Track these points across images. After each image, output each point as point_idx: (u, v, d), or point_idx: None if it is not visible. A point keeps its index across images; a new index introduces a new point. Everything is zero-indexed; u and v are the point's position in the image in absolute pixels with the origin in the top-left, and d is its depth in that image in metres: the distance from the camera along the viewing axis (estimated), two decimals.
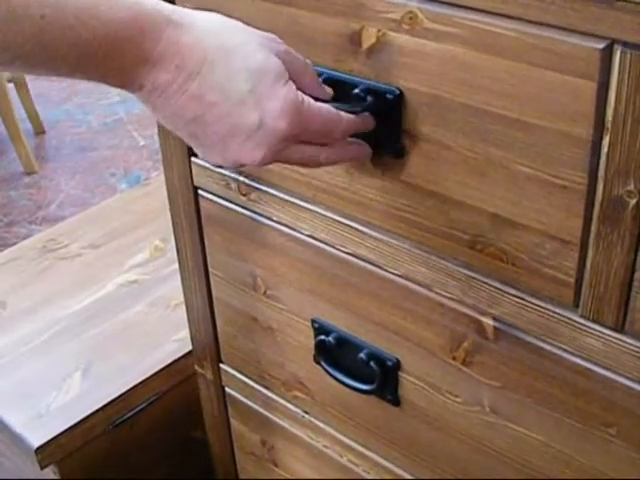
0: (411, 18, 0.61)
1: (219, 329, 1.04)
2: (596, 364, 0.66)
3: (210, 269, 0.98)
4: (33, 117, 2.97)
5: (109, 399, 1.17)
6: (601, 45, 0.53)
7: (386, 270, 0.77)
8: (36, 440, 1.11)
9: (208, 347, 1.07)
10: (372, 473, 0.94)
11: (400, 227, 0.73)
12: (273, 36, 0.60)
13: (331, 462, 0.99)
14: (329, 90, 0.65)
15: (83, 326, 1.32)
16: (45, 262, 1.48)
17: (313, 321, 0.87)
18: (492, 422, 0.76)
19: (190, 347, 1.12)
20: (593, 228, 0.60)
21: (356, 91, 0.65)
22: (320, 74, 0.67)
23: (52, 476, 1.17)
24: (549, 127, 0.58)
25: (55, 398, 1.17)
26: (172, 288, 1.33)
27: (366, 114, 0.65)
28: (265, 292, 0.92)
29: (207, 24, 0.56)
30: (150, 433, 1.26)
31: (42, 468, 1.13)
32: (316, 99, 0.60)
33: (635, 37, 0.52)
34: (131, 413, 1.21)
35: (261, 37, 0.58)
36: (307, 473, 1.04)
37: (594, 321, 0.64)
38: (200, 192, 0.92)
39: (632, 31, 0.52)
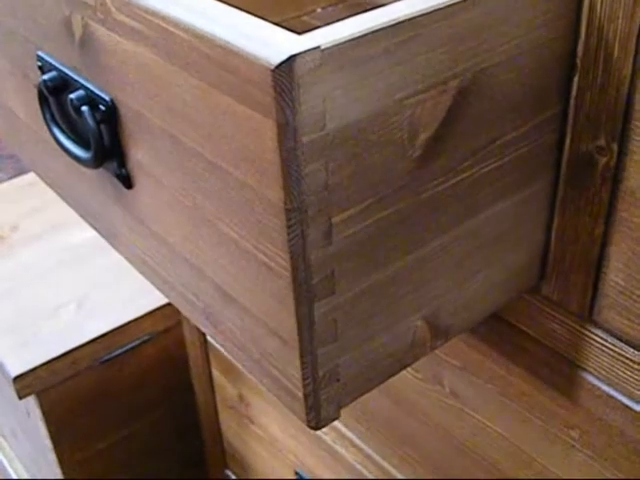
0: (102, 5, 0.45)
1: None
2: (561, 355, 0.55)
3: None
4: None
5: (97, 334, 1.12)
6: (276, 61, 0.33)
7: None
8: (15, 369, 1.08)
9: None
10: (339, 442, 0.86)
11: (144, 271, 0.57)
12: None
13: (301, 425, 0.92)
14: None
15: (86, 257, 1.28)
16: None
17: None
18: (451, 405, 0.67)
19: None
20: (560, 191, 0.50)
21: (72, 97, 0.51)
22: (51, 69, 0.55)
23: (34, 405, 1.14)
24: (242, 180, 0.40)
25: (43, 328, 1.14)
26: None
27: None
28: None
29: None
30: (140, 374, 1.21)
31: (20, 398, 1.10)
32: None
33: None
34: (120, 351, 1.16)
35: None
36: (279, 434, 0.98)
37: (558, 304, 0.53)
38: None
39: None
